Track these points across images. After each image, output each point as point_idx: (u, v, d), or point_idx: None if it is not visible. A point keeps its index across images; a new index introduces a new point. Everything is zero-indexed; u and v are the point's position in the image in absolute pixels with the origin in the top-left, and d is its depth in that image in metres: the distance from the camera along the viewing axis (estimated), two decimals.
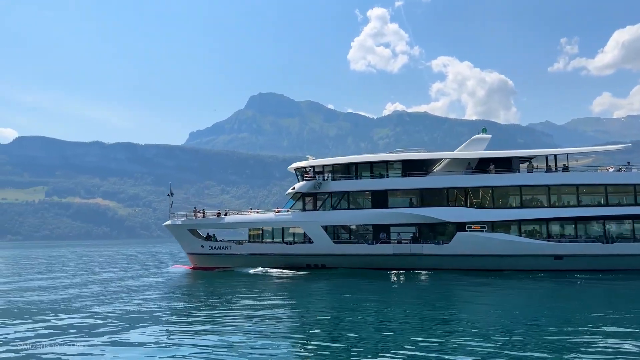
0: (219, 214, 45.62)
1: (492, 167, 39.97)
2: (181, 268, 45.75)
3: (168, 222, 45.63)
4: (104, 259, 72.77)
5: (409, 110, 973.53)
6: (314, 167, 43.48)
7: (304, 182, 41.98)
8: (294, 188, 42.91)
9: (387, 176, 41.82)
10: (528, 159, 42.37)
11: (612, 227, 38.23)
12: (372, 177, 41.91)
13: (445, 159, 42.27)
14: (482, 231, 38.32)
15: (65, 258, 79.39)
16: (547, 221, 38.62)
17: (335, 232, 41.65)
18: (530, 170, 40.23)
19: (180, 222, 44.76)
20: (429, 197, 40.46)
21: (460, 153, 42.41)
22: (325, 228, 41.12)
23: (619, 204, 38.22)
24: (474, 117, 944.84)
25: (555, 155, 41.55)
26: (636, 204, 37.49)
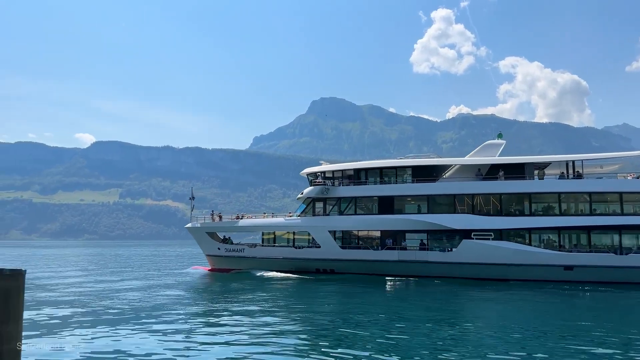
0: (237, 217, 47.26)
1: (501, 173, 38.91)
2: (200, 269, 47.73)
3: (189, 225, 47.79)
4: (154, 258, 76.86)
5: (475, 112, 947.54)
6: (324, 172, 44.12)
7: (312, 188, 42.69)
8: (302, 193, 43.73)
9: (397, 182, 41.77)
10: (544, 165, 40.87)
11: (627, 238, 36.13)
12: (382, 183, 41.97)
13: (455, 165, 41.58)
14: (488, 239, 37.45)
15: (125, 257, 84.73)
16: (558, 230, 37.12)
17: (343, 238, 42.05)
18: (541, 177, 38.78)
19: (199, 225, 46.77)
20: (436, 204, 40.01)
21: (470, 159, 41.58)
22: (334, 233, 41.65)
23: (635, 213, 36.08)
24: (544, 120, 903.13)
25: (573, 162, 39.78)
26: None
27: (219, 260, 45.83)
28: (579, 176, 38.16)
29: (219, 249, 45.89)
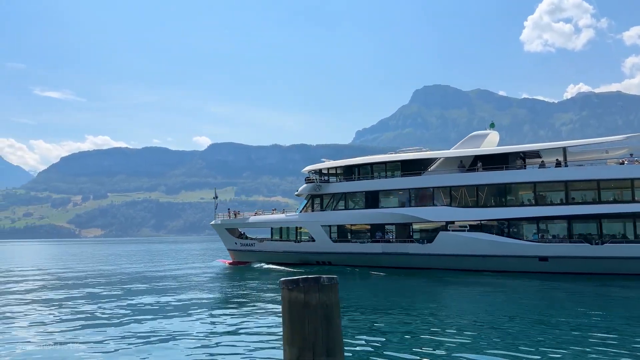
0: (256, 214, 51.54)
1: (479, 165, 38.62)
2: (222, 263, 52.65)
3: (213, 222, 52.92)
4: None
5: (597, 90, 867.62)
6: (320, 170, 46.65)
7: (305, 185, 45.46)
8: (297, 191, 46.64)
9: (387, 177, 43.07)
10: (529, 154, 39.66)
11: (607, 227, 34.21)
12: (372, 178, 43.50)
13: (440, 158, 41.83)
14: (464, 231, 37.60)
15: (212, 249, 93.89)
16: (537, 221, 36.18)
17: (338, 232, 44.26)
18: (520, 167, 37.86)
19: (220, 222, 51.68)
20: (417, 197, 40.75)
21: (453, 151, 41.54)
22: (329, 228, 44.05)
23: (615, 201, 34.05)
24: None
25: (564, 149, 38.16)
26: (634, 201, 33.04)
27: (237, 254, 50.34)
28: (558, 164, 36.76)
29: (236, 243, 50.41)
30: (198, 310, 22.05)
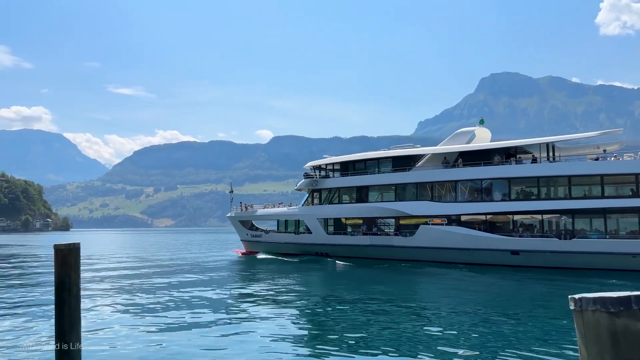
0: (265, 207, 54.95)
1: (459, 161, 39.71)
2: (236, 253, 56.48)
3: (228, 214, 56.85)
4: None
5: None
6: (320, 165, 49.17)
7: (302, 180, 48.19)
8: (296, 185, 49.45)
9: (379, 172, 44.94)
10: (518, 150, 40.14)
11: (571, 223, 34.46)
12: (365, 173, 45.48)
13: (428, 154, 43.10)
14: (442, 224, 38.94)
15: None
16: (512, 215, 36.95)
17: (334, 225, 46.69)
18: (498, 163, 38.52)
19: (233, 215, 55.50)
20: (402, 192, 42.39)
21: (439, 148, 42.67)
22: (326, 221, 46.60)
23: (585, 197, 34.20)
24: None
25: (547, 144, 38.44)
26: (602, 197, 33.14)
27: (248, 244, 53.99)
28: (534, 161, 37.24)
29: (247, 234, 54.05)
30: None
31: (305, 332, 16.35)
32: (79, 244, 9.63)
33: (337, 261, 41.12)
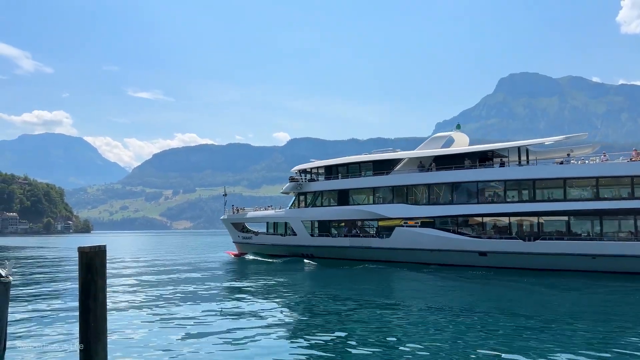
0: (255, 210, 56.81)
1: (432, 165, 40.94)
2: (228, 254, 58.35)
3: (221, 217, 58.80)
4: None
5: None
6: (305, 169, 50.82)
7: (288, 184, 49.88)
8: (282, 189, 51.13)
9: (360, 176, 46.38)
10: (489, 154, 41.18)
11: (537, 225, 35.43)
12: (347, 177, 46.95)
13: (405, 158, 44.38)
14: (416, 226, 40.19)
15: None
16: (481, 217, 38.06)
17: (319, 226, 48.22)
18: (469, 166, 39.65)
19: (226, 217, 57.43)
20: (380, 195, 43.79)
21: (416, 152, 43.93)
22: (311, 223, 48.19)
23: (549, 199, 35.17)
24: None
25: (519, 148, 39.54)
26: (565, 200, 34.09)
27: (240, 246, 55.86)
28: (502, 165, 38.30)
29: (238, 236, 55.92)
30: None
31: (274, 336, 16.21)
32: (104, 246, 8.94)
33: (305, 261, 42.64)
